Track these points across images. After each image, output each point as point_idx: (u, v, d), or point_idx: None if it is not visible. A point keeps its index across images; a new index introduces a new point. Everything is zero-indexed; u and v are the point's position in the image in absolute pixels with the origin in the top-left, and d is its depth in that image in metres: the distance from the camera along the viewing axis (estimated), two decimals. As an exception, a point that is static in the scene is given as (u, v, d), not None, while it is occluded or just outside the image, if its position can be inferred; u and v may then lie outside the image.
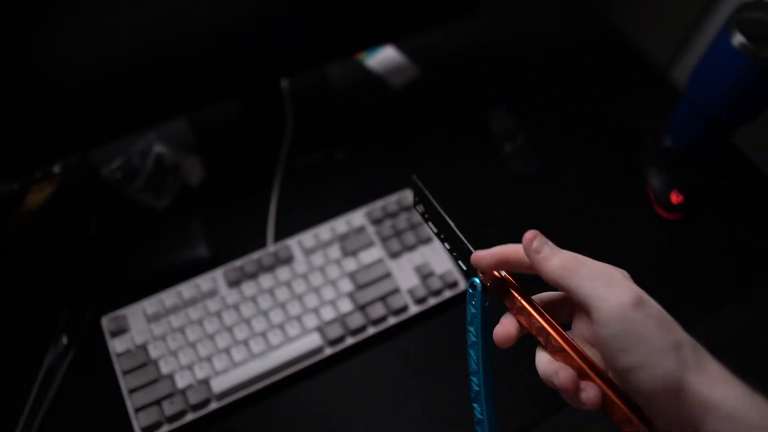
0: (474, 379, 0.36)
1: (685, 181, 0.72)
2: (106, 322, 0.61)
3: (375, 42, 0.78)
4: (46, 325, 0.64)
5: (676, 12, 1.07)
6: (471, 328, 0.36)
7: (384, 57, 0.85)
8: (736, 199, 0.74)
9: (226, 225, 0.71)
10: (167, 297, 0.63)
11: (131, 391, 0.58)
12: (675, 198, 0.70)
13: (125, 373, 0.59)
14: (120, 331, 0.61)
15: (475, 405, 0.37)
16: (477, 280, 0.36)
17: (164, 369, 0.59)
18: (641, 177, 0.74)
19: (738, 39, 0.63)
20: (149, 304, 0.62)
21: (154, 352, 0.60)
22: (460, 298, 0.65)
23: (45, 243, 0.71)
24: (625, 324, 0.29)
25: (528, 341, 0.36)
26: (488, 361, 0.36)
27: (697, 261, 0.69)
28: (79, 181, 0.75)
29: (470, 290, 0.36)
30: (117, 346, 0.60)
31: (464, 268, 0.37)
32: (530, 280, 0.36)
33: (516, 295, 0.35)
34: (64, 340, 0.63)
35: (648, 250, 0.69)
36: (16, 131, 0.62)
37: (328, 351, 0.61)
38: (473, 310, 0.36)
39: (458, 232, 0.37)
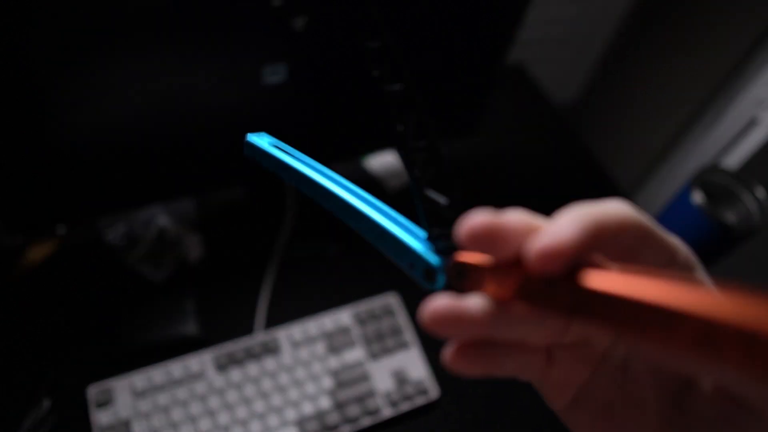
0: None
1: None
2: (92, 392, 0.64)
3: (377, 148, 0.85)
4: (29, 387, 0.66)
5: (641, 145, 1.19)
6: None
7: (383, 160, 0.92)
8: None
9: (217, 305, 0.75)
10: (155, 374, 0.65)
11: (110, 467, 0.60)
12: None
13: (106, 447, 0.61)
14: (105, 402, 0.63)
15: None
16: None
17: (145, 447, 0.61)
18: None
19: (698, 199, 0.72)
20: (137, 379, 0.65)
21: (137, 429, 0.62)
22: (431, 407, 0.70)
23: (39, 301, 0.73)
24: None
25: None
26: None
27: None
28: (81, 243, 0.78)
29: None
30: (101, 418, 0.62)
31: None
32: None
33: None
34: (46, 405, 0.65)
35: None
36: (24, 189, 0.65)
37: (303, 445, 0.64)
38: None
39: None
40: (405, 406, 0.68)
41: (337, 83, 0.70)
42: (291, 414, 0.65)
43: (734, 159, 1.02)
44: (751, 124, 1.04)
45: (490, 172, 0.95)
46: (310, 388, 0.67)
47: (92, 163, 0.65)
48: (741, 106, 1.03)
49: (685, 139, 1.14)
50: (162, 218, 0.80)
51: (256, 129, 0.70)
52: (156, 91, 0.61)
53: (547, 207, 0.98)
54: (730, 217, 0.77)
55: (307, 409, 0.66)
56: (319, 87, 0.69)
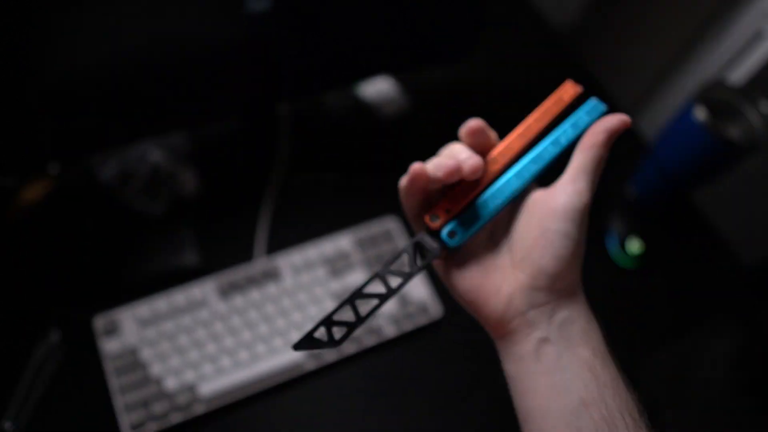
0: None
1: (643, 231, 0.79)
2: (98, 322, 0.65)
3: (371, 74, 0.83)
4: (36, 322, 0.67)
5: (643, 64, 1.16)
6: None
7: (377, 87, 0.90)
8: (686, 251, 0.81)
9: (215, 236, 0.75)
10: (160, 303, 0.66)
11: (120, 391, 0.61)
12: (632, 247, 0.77)
13: (115, 373, 0.62)
14: (112, 331, 0.64)
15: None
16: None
17: (153, 372, 0.62)
18: (603, 223, 0.81)
19: (702, 115, 0.70)
20: (141, 308, 0.66)
21: (144, 355, 0.63)
22: (433, 325, 0.70)
23: (38, 240, 0.73)
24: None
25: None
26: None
27: (643, 305, 0.77)
28: (75, 182, 0.77)
29: None
30: (108, 346, 0.63)
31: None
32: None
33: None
34: (55, 337, 0.66)
35: (601, 294, 0.76)
36: (15, 129, 0.64)
37: (309, 366, 0.65)
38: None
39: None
40: (408, 326, 0.69)
41: (325, 8, 0.68)
42: (295, 335, 0.66)
43: (739, 74, 1.00)
44: (757, 37, 1.00)
45: (488, 98, 0.93)
46: (313, 310, 0.68)
47: (81, 100, 0.64)
48: (747, 18, 1.00)
49: (689, 54, 1.11)
50: (155, 153, 0.79)
51: (242, 59, 0.68)
52: (141, 24, 0.59)
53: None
54: (734, 132, 0.75)
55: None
56: (306, 13, 0.67)
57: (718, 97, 0.74)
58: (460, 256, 0.37)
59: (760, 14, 0.98)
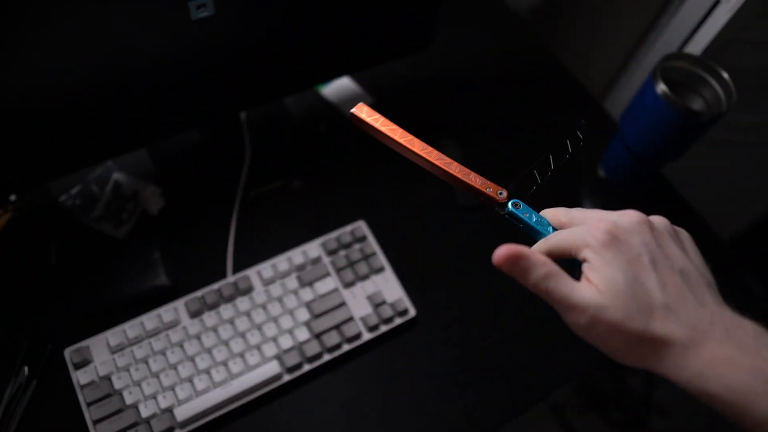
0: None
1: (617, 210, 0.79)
2: (69, 354, 0.63)
3: (331, 75, 0.82)
4: (5, 357, 0.65)
5: (610, 46, 1.15)
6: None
7: (339, 86, 0.88)
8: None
9: (185, 254, 0.74)
10: (130, 328, 0.65)
11: (96, 422, 0.60)
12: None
13: (89, 404, 0.61)
14: (83, 362, 0.63)
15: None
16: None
17: (128, 399, 0.61)
18: (576, 205, 0.80)
19: (661, 88, 0.70)
20: (112, 335, 0.64)
21: (117, 383, 0.62)
22: (409, 325, 0.70)
23: (2, 271, 0.71)
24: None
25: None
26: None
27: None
28: (37, 209, 0.76)
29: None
30: (81, 377, 0.62)
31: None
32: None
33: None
34: (25, 372, 0.65)
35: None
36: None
37: (286, 377, 0.65)
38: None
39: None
40: (384, 329, 0.68)
41: (271, 11, 0.66)
42: (270, 349, 0.65)
43: (696, 45, 0.99)
44: (715, 5, 1.00)
45: (448, 90, 0.92)
46: (287, 322, 0.67)
47: (33, 125, 0.62)
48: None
49: (651, 32, 1.10)
50: (116, 173, 0.78)
51: (192, 68, 0.66)
52: (89, 41, 0.57)
53: (516, 117, 0.97)
54: (696, 103, 0.75)
55: (286, 342, 0.66)
56: (251, 17, 0.65)
57: (679, 68, 0.74)
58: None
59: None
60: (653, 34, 1.08)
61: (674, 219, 0.85)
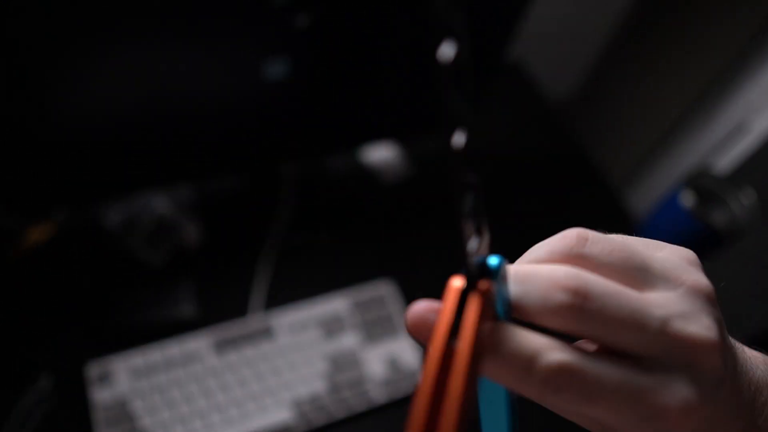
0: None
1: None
2: (92, 370, 0.65)
3: (375, 139, 0.86)
4: (28, 366, 0.67)
5: (632, 143, 1.21)
6: None
7: (380, 152, 0.93)
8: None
9: (213, 289, 0.76)
10: (154, 354, 0.67)
11: (108, 443, 0.61)
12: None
13: (104, 423, 0.62)
14: (104, 380, 0.65)
15: None
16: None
17: (142, 425, 0.63)
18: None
19: (689, 202, 0.74)
20: (136, 359, 0.66)
21: (134, 407, 0.63)
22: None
23: (38, 282, 0.74)
24: None
25: None
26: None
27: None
28: (79, 227, 0.79)
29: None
30: (99, 395, 0.64)
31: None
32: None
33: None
34: (46, 383, 0.66)
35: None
36: (23, 173, 0.66)
37: (299, 428, 0.66)
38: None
39: None
40: (397, 393, 0.70)
41: (339, 78, 0.71)
42: (286, 395, 0.67)
43: (724, 161, 1.04)
44: (741, 126, 1.06)
45: (483, 167, 0.96)
46: (305, 371, 0.69)
47: (93, 148, 0.66)
48: (732, 109, 1.05)
49: (676, 138, 1.16)
50: (161, 203, 0.81)
51: (253, 120, 0.71)
52: (157, 77, 0.62)
53: (538, 204, 1.00)
54: (718, 219, 0.79)
55: (302, 391, 0.67)
56: (321, 81, 0.70)
57: (704, 184, 0.78)
58: None
59: (745, 107, 1.04)
60: (677, 139, 1.14)
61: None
